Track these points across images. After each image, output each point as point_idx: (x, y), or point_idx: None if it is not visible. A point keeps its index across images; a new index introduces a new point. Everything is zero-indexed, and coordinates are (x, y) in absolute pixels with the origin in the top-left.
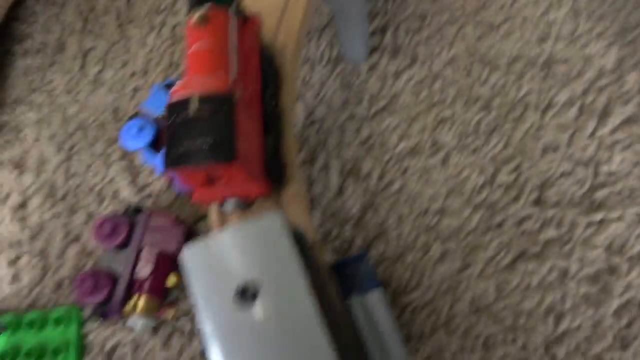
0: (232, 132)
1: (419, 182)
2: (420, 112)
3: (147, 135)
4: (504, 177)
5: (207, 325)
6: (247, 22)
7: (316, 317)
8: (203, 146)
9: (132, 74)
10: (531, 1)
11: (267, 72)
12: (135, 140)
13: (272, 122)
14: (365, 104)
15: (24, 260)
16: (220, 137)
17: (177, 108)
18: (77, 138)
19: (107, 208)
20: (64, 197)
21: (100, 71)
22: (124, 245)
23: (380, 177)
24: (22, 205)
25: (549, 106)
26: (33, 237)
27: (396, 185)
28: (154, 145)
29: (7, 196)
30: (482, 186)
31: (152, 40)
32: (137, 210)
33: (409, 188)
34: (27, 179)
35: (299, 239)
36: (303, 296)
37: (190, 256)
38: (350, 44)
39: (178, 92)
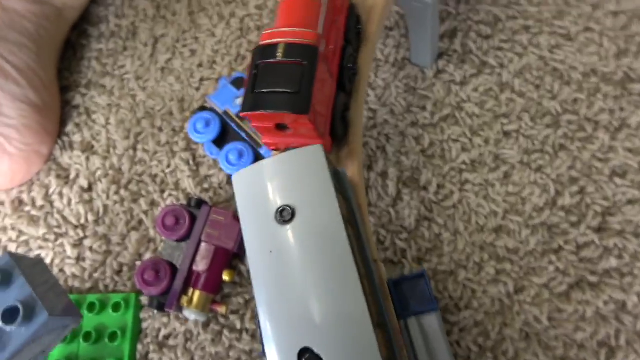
0: (310, 85)
1: (477, 197)
2: (485, 123)
3: (214, 131)
4: (566, 200)
5: (251, 239)
6: None
7: (343, 239)
8: (280, 94)
9: (200, 64)
10: (611, 12)
11: (351, 30)
12: (202, 134)
13: (347, 80)
14: (428, 111)
15: (87, 243)
16: (298, 87)
17: (263, 52)
18: (144, 125)
19: (168, 198)
20: (128, 184)
21: (169, 59)
22: (184, 237)
23: (439, 189)
24: (89, 188)
25: (621, 128)
26: (97, 221)
27: (454, 199)
28: (219, 140)
29: (76, 178)
30: (543, 207)
31: (221, 31)
32: (199, 203)
33: (467, 202)
34: (95, 162)
35: (336, 173)
36: (334, 220)
37: (239, 179)
38: (419, 47)
39: (266, 38)
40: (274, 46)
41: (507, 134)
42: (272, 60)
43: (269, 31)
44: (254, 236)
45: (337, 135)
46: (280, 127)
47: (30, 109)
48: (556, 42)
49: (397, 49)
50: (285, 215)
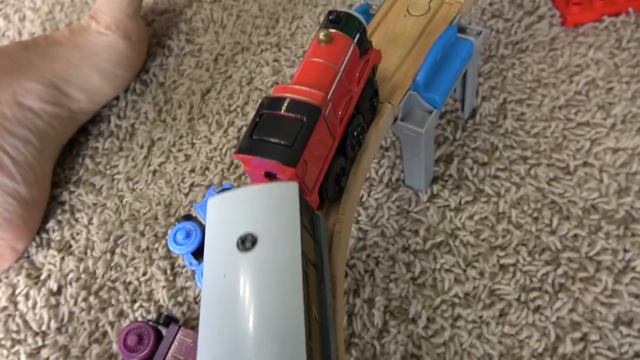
0: (304, 141)
1: (470, 336)
2: (480, 254)
3: (194, 243)
4: (568, 347)
5: (209, 263)
6: (368, 52)
7: (298, 276)
8: (274, 144)
9: (192, 170)
10: (611, 148)
11: (365, 101)
12: (181, 245)
13: (350, 147)
14: (421, 236)
15: (44, 353)
16: (292, 141)
17: (270, 104)
18: (126, 228)
19: (138, 310)
20: (99, 290)
21: (162, 163)
22: (147, 358)
23: (428, 323)
24: (58, 291)
25: (625, 270)
26: (59, 329)
27: (445, 335)
28: (198, 253)
29: (46, 279)
30: (542, 354)
31: (218, 138)
32: (168, 320)
33: (459, 341)
34: (69, 264)
35: (311, 215)
36: (293, 255)
37: (213, 205)
38: (413, 171)
39: (278, 91)
40: (281, 100)
41: (503, 268)
42: (275, 112)
43: (282, 86)
44: (213, 259)
45: (328, 196)
46: (269, 176)
47: (17, 203)
48: (554, 175)
49: (392, 170)
50: (246, 242)
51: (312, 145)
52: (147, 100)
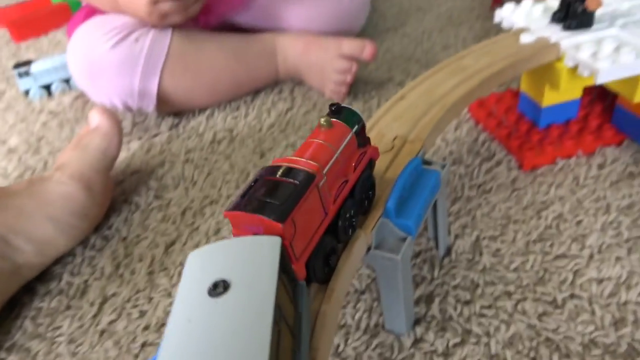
0: (295, 202)
1: None
2: None
3: None
4: None
5: (176, 307)
6: (366, 146)
7: (266, 333)
8: (265, 202)
9: (146, 327)
10: (595, 279)
11: (358, 188)
12: None
13: (343, 230)
14: None
15: None
16: (282, 200)
17: (266, 171)
18: None
19: None
20: None
21: (113, 321)
22: None
23: None
24: None
25: None
26: None
27: None
28: None
29: None
30: None
31: None
32: None
33: None
34: None
35: (293, 278)
36: (264, 309)
37: (192, 259)
38: (392, 310)
39: (276, 162)
40: (277, 167)
41: None
42: (270, 177)
43: (281, 158)
44: (181, 304)
45: (316, 274)
46: None
47: None
48: (543, 309)
49: (370, 314)
50: (218, 288)
51: (302, 209)
52: (106, 254)
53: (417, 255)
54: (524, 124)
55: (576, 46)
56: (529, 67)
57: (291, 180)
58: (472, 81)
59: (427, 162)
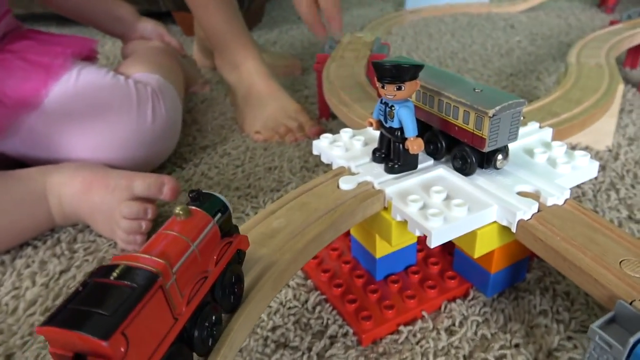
0: (128, 311)
1: None
2: None
3: None
4: None
5: None
6: (232, 236)
7: None
8: (90, 312)
9: None
10: None
11: (224, 289)
12: None
13: (203, 342)
14: None
15: None
16: (112, 311)
17: (101, 271)
18: None
19: None
20: None
21: None
22: None
23: None
24: None
25: None
26: None
27: None
28: None
29: None
30: None
31: None
32: None
33: None
34: None
35: None
36: None
37: None
38: None
39: (116, 259)
40: (114, 266)
41: None
42: (103, 280)
43: (122, 255)
44: None
45: None
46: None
47: None
48: None
49: None
50: None
51: (140, 319)
52: None
53: None
54: (360, 276)
55: (402, 196)
56: (353, 223)
57: (128, 283)
58: (284, 257)
59: None
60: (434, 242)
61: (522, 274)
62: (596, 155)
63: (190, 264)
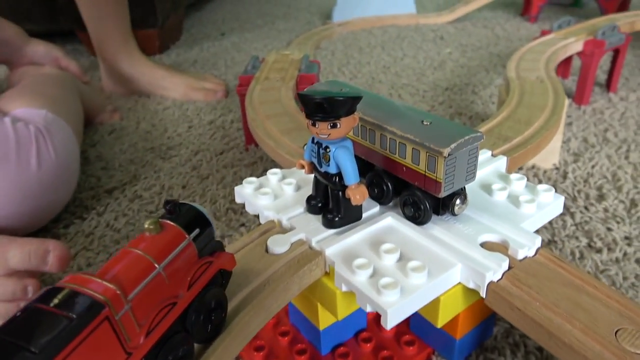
0: (61, 346)
1: None
2: None
3: None
4: None
5: None
6: (214, 254)
7: None
8: (15, 348)
9: None
10: None
11: (197, 316)
12: None
13: None
14: None
15: None
16: (41, 347)
17: (44, 294)
18: None
19: None
20: None
21: None
22: None
23: None
24: None
25: None
26: None
27: None
28: None
29: None
30: None
31: None
32: None
33: None
34: None
35: None
36: None
37: None
38: None
39: (66, 281)
40: (58, 290)
41: None
42: (42, 306)
43: (75, 275)
44: None
45: None
46: None
47: None
48: None
49: None
50: None
51: (79, 356)
52: None
53: None
54: (302, 352)
55: (346, 259)
56: (287, 299)
57: (66, 313)
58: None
59: None
60: (390, 323)
61: (489, 331)
62: (544, 175)
63: (153, 288)
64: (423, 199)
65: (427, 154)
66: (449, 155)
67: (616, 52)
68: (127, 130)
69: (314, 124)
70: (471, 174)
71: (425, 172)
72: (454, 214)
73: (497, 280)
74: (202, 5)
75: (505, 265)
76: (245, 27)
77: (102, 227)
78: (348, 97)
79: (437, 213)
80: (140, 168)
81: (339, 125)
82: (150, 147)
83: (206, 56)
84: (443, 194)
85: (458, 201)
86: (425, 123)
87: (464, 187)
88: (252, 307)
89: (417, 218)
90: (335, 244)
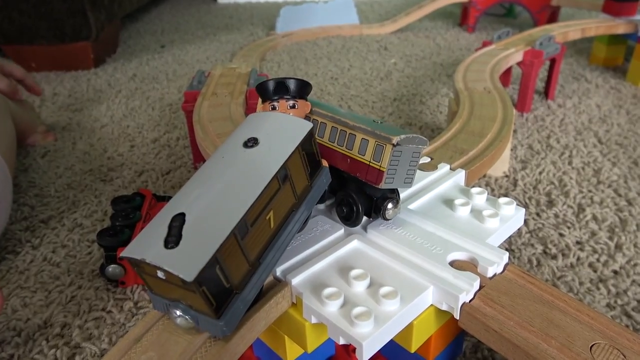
0: None
1: None
2: None
3: None
4: None
5: (217, 151)
6: None
7: (268, 175)
8: None
9: None
10: None
11: None
12: None
13: None
14: None
15: None
16: None
17: None
18: None
19: None
20: None
21: None
22: None
23: None
24: None
25: None
26: None
27: None
28: None
29: None
30: None
31: None
32: None
33: None
34: None
35: (313, 148)
36: (274, 161)
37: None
38: None
39: None
40: None
41: None
42: None
43: None
44: (221, 150)
45: None
46: None
47: None
48: None
49: None
50: (249, 142)
51: None
52: None
53: None
54: None
55: (315, 288)
56: (253, 338)
57: None
58: None
59: None
60: (366, 356)
61: (459, 349)
62: (496, 183)
63: None
64: (357, 200)
65: (376, 142)
66: (397, 144)
67: (552, 62)
68: (62, 151)
69: (274, 108)
70: (410, 178)
71: (370, 161)
72: (385, 218)
73: (470, 301)
74: (139, 15)
75: (476, 285)
76: (185, 39)
77: (39, 261)
78: (302, 79)
79: (369, 215)
80: (79, 193)
81: (296, 106)
82: (89, 169)
83: (146, 70)
84: (383, 185)
85: (390, 205)
86: (376, 121)
87: (398, 192)
88: (217, 352)
89: (349, 219)
90: (301, 273)
